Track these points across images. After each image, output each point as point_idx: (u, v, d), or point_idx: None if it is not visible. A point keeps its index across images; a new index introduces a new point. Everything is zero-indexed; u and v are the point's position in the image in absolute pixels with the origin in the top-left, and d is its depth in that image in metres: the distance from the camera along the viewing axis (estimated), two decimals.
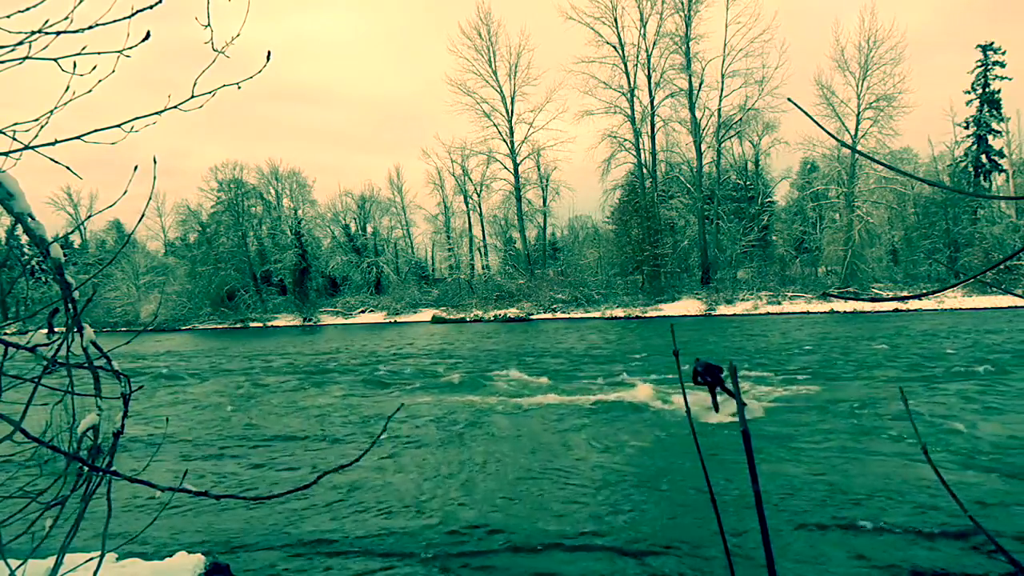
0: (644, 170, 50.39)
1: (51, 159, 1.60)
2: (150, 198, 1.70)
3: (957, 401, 11.56)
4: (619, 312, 44.81)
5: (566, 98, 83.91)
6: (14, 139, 1.51)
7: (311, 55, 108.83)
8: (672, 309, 44.16)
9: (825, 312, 39.17)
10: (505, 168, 56.23)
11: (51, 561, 1.88)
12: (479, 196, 58.29)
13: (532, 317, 46.81)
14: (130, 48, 1.51)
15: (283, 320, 55.89)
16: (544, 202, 56.95)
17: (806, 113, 1.26)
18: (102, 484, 1.62)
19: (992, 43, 46.43)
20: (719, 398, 11.40)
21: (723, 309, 42.82)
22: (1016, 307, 34.79)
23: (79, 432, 1.60)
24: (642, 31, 49.25)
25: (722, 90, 48.45)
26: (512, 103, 54.47)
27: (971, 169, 47.68)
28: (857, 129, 44.23)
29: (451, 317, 49.21)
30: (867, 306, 37.90)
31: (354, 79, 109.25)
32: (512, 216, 56.94)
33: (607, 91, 50.35)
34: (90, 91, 1.55)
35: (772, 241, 51.76)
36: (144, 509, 7.42)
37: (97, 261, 61.05)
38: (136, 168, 1.61)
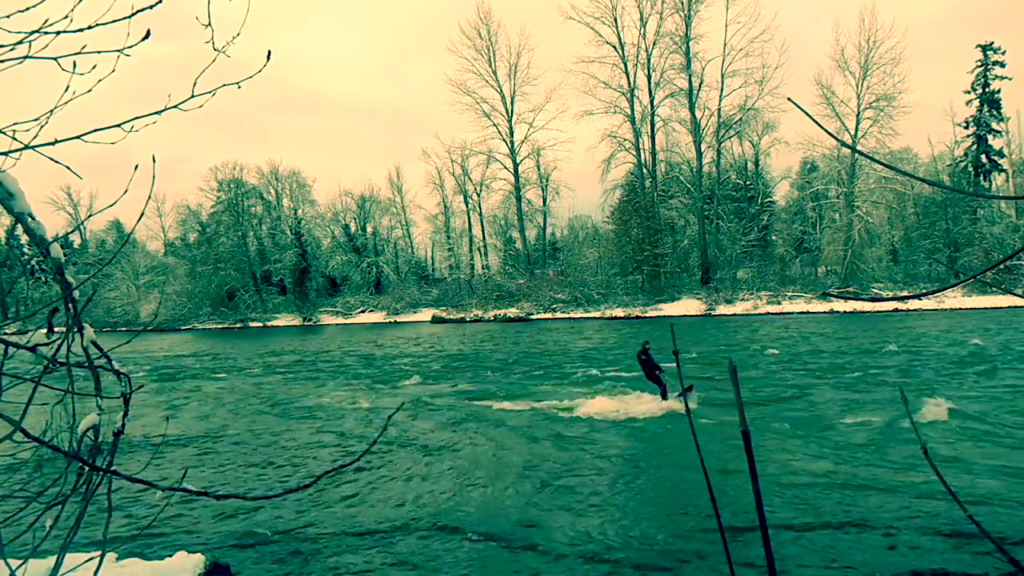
0: (644, 170, 50.37)
1: (51, 159, 1.60)
2: (149, 198, 1.70)
3: (958, 401, 11.55)
4: (619, 312, 44.80)
5: (566, 98, 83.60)
6: (14, 139, 1.51)
7: (308, 68, 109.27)
8: (672, 309, 44.15)
9: (825, 312, 39.16)
10: (505, 168, 56.28)
11: (51, 561, 1.88)
12: (479, 196, 58.31)
13: (532, 317, 46.81)
14: (130, 48, 1.51)
15: (283, 320, 55.88)
16: (544, 202, 56.95)
17: (806, 113, 1.26)
18: (102, 484, 1.61)
19: (992, 43, 46.44)
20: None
21: (723, 309, 42.81)
22: (1016, 307, 34.79)
23: (79, 432, 1.60)
24: (642, 31, 49.29)
25: (722, 90, 48.50)
26: (512, 103, 54.52)
27: (971, 169, 47.66)
28: (857, 129, 44.23)
29: (451, 317, 49.20)
30: (867, 306, 37.90)
31: (350, 88, 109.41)
32: (512, 216, 56.91)
33: (607, 91, 50.38)
34: (90, 91, 1.55)
35: (772, 241, 51.75)
36: (144, 509, 7.42)
37: (97, 261, 60.96)
38: (136, 167, 1.60)
